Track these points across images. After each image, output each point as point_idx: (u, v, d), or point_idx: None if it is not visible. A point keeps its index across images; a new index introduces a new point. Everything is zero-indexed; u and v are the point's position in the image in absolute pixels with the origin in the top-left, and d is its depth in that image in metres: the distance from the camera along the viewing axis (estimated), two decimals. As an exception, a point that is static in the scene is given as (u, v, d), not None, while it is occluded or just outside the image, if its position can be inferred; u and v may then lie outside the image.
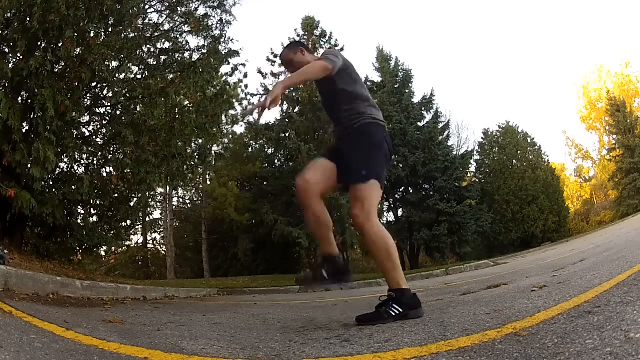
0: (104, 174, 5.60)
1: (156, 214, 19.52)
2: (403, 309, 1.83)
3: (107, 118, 5.77)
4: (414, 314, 1.86)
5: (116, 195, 5.84)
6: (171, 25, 5.93)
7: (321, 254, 2.08)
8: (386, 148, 2.07)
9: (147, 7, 5.70)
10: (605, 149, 28.06)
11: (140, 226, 12.92)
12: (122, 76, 5.55)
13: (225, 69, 6.80)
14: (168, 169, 5.89)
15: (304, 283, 2.13)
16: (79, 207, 5.69)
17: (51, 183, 5.18)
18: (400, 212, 18.92)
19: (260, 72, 16.41)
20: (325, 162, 2.05)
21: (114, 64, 5.27)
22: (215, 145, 13.36)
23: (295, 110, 16.32)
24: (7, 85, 4.35)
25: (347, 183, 1.97)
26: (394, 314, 1.82)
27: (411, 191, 18.78)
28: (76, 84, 4.69)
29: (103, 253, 15.57)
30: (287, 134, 15.77)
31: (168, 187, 15.53)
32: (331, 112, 2.22)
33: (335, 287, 2.07)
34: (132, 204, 6.14)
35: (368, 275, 11.23)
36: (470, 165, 20.60)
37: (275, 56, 17.03)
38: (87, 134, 5.62)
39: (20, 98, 4.60)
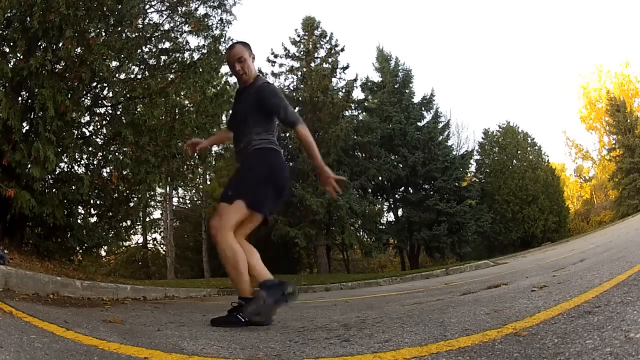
0: (104, 174, 5.59)
1: (156, 214, 19.56)
2: (249, 317, 1.98)
3: (107, 118, 5.77)
4: (259, 321, 1.99)
5: (116, 195, 5.84)
6: (171, 25, 5.93)
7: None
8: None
9: (147, 7, 5.70)
10: (605, 149, 28.12)
11: (140, 226, 12.90)
12: (122, 76, 5.55)
13: (225, 69, 6.79)
14: (168, 169, 5.89)
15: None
16: (79, 207, 5.69)
17: (51, 183, 5.17)
18: (400, 212, 18.93)
19: (260, 72, 16.36)
20: None
21: (114, 64, 5.27)
22: (215, 145, 13.37)
23: (295, 110, 16.33)
24: (7, 85, 4.35)
25: (220, 202, 2.12)
26: (242, 320, 1.98)
27: (411, 191, 18.79)
28: (76, 84, 4.69)
29: (103, 253, 15.57)
30: (287, 134, 15.77)
31: (168, 187, 15.50)
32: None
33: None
34: (132, 204, 6.13)
35: (368, 275, 11.24)
36: (470, 165, 20.65)
37: (276, 56, 17.05)
38: (87, 134, 5.62)
39: (20, 98, 4.61)
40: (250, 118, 2.18)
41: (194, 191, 21.16)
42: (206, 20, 6.01)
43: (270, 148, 2.15)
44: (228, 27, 6.21)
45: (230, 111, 2.55)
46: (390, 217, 19.38)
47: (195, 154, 2.79)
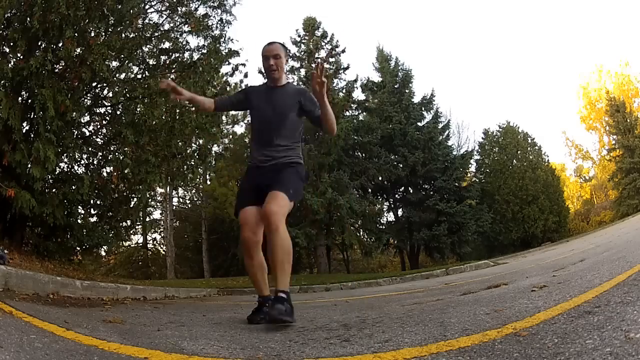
0: (104, 174, 5.60)
1: (156, 214, 19.57)
2: (291, 306, 2.04)
3: (107, 118, 5.77)
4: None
5: (116, 195, 5.84)
6: (171, 25, 5.93)
7: (261, 297, 2.32)
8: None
9: (147, 7, 5.70)
10: (605, 149, 28.11)
11: (140, 226, 12.91)
12: (122, 76, 5.55)
13: (225, 69, 6.80)
14: (168, 169, 5.89)
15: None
16: (79, 207, 5.69)
17: (51, 183, 5.17)
18: (400, 212, 18.91)
19: (260, 72, 16.33)
20: (255, 209, 2.18)
21: (114, 63, 5.28)
22: (215, 145, 13.37)
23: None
24: (7, 85, 4.35)
25: (277, 190, 2.11)
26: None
27: (411, 191, 18.78)
28: (76, 83, 4.69)
29: (103, 253, 15.57)
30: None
31: (168, 187, 15.52)
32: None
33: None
34: (132, 204, 6.13)
35: (368, 275, 11.24)
36: (470, 165, 20.61)
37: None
38: (87, 134, 5.62)
39: (20, 98, 4.61)
40: (289, 121, 2.30)
41: (194, 191, 21.19)
42: (206, 20, 6.02)
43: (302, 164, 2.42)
44: (228, 27, 6.23)
45: (245, 107, 2.57)
46: (390, 217, 19.39)
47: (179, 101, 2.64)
